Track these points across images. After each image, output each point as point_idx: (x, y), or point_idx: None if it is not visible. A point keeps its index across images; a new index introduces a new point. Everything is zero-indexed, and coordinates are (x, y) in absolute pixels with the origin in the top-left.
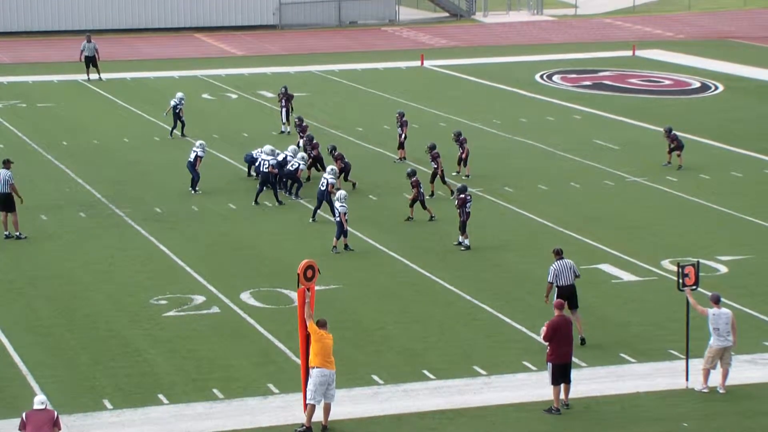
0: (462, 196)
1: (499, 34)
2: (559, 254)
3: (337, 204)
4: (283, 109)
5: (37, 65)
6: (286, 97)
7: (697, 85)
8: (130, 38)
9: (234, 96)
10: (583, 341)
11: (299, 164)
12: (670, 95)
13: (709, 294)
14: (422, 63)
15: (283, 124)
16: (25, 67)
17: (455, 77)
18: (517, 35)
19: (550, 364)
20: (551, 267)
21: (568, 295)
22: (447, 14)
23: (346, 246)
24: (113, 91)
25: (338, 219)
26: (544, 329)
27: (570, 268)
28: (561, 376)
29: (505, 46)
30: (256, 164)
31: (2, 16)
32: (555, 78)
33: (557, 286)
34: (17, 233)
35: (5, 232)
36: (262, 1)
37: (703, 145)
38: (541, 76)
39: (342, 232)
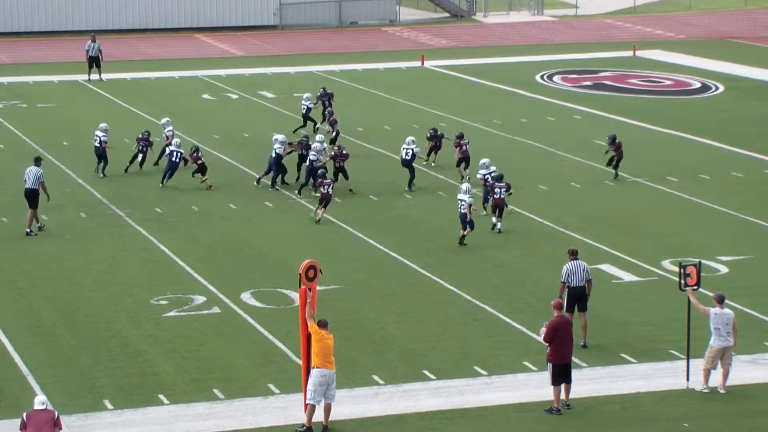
0: (492, 183)
1: (500, 35)
2: (573, 255)
3: (465, 197)
4: (327, 109)
5: (37, 65)
6: (327, 97)
7: (698, 85)
8: (130, 38)
9: (234, 96)
10: (584, 346)
11: (278, 150)
12: (671, 95)
13: (712, 294)
14: (423, 63)
15: (323, 123)
16: (25, 67)
17: (455, 77)
18: (518, 35)
19: (550, 365)
20: (564, 267)
21: (579, 296)
22: (447, 14)
23: (463, 238)
24: (113, 91)
25: (464, 210)
26: (543, 330)
27: (583, 270)
28: (561, 376)
29: (505, 46)
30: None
31: (2, 16)
32: (555, 78)
33: (568, 287)
34: (28, 229)
35: (27, 229)
36: (262, 1)
37: (703, 145)
38: (542, 77)
39: (467, 223)
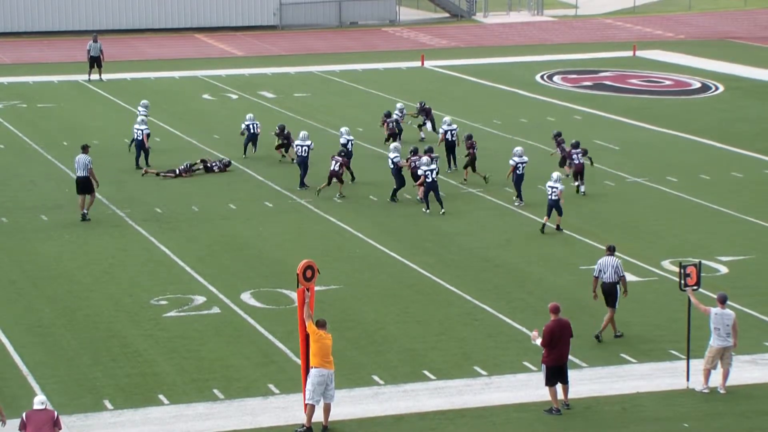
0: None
1: (500, 35)
2: (609, 250)
3: (558, 185)
4: (428, 122)
5: (37, 65)
6: (425, 111)
7: (698, 85)
8: (130, 38)
9: (234, 96)
10: (598, 339)
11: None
12: (671, 95)
13: (714, 295)
14: (423, 63)
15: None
16: (25, 67)
17: (455, 77)
18: (518, 36)
19: (544, 366)
20: (598, 261)
21: (607, 292)
22: (447, 15)
23: (558, 226)
24: (113, 91)
25: (556, 197)
26: (535, 333)
27: (612, 267)
28: (555, 377)
29: (505, 46)
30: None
31: (2, 16)
32: (555, 78)
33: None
34: (84, 211)
35: (83, 211)
36: (262, 2)
37: (703, 145)
38: (542, 77)
39: (559, 210)
